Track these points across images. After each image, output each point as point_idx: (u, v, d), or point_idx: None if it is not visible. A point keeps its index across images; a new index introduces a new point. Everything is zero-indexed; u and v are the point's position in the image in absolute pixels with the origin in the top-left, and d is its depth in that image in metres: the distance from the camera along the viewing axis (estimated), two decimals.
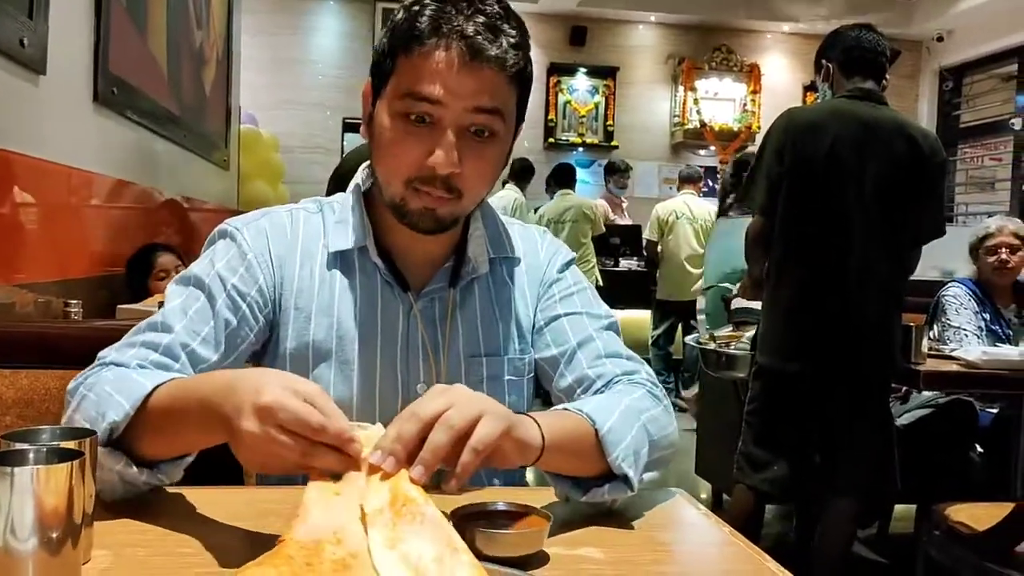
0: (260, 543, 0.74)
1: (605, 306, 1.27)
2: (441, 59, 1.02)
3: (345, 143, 7.76)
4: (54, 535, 0.70)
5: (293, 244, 1.16)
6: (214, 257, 1.14)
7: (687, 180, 6.68)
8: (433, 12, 1.03)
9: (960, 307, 3.36)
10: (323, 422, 0.76)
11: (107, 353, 1.05)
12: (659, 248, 6.38)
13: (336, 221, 1.18)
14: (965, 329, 3.27)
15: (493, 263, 1.22)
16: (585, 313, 1.22)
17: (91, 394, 0.96)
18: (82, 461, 0.73)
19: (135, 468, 0.92)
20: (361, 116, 1.17)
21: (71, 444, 0.78)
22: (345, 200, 1.20)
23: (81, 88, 2.62)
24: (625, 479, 0.97)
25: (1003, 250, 3.35)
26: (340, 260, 1.16)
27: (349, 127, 7.83)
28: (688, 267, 6.26)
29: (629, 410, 1.03)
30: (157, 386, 0.92)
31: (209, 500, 0.98)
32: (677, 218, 6.36)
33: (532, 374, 1.23)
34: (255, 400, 0.77)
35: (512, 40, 1.04)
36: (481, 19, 1.02)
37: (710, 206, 6.57)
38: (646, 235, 6.56)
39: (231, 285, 1.10)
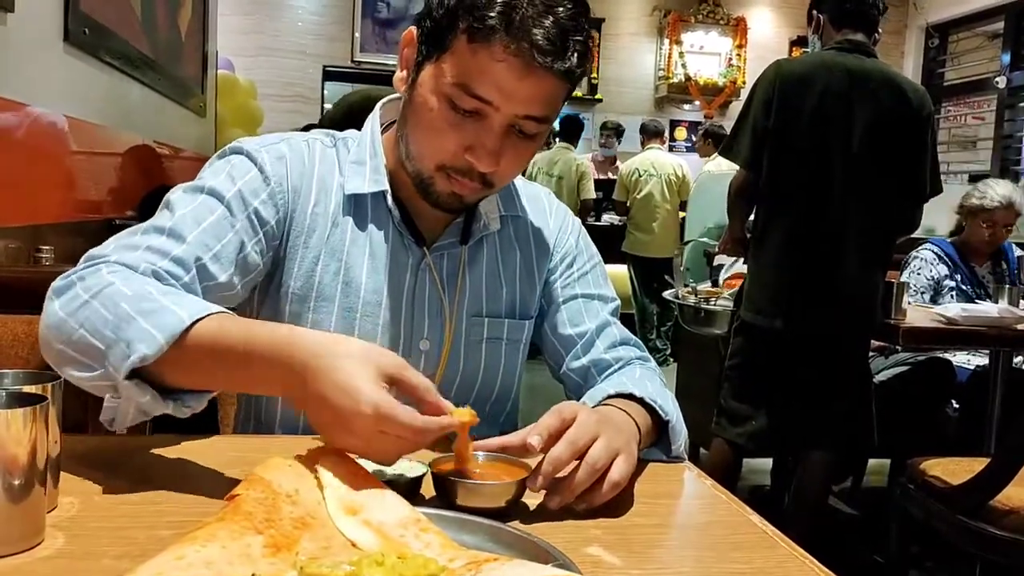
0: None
1: (610, 283, 1.27)
2: (503, 61, 0.94)
3: (326, 92, 7.64)
4: (16, 482, 0.68)
5: (309, 177, 1.10)
6: (233, 172, 1.05)
7: (654, 134, 6.64)
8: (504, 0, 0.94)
9: (917, 271, 3.38)
10: (426, 425, 0.76)
11: (105, 251, 0.94)
12: (628, 205, 6.38)
13: (352, 161, 1.12)
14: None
15: (502, 221, 1.19)
16: (598, 296, 1.23)
17: (99, 304, 0.85)
18: (45, 406, 0.70)
19: (160, 401, 0.84)
20: (397, 64, 1.08)
21: (34, 388, 0.75)
22: (361, 139, 1.15)
23: (51, 27, 2.53)
24: (671, 456, 1.06)
25: (1002, 228, 3.35)
26: (354, 203, 1.11)
27: (329, 75, 7.69)
28: (656, 225, 6.27)
29: (671, 397, 1.09)
30: (196, 320, 0.83)
31: (180, 447, 0.96)
32: (640, 175, 6.34)
33: (529, 339, 1.22)
34: (361, 406, 0.74)
35: (580, 47, 0.97)
36: (551, 20, 0.94)
37: (676, 160, 6.57)
38: (614, 195, 6.56)
39: (253, 208, 1.04)
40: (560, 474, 0.84)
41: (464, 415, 0.81)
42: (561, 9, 0.95)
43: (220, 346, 0.83)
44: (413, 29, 1.05)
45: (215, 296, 0.98)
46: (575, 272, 1.23)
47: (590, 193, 6.54)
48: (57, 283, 0.91)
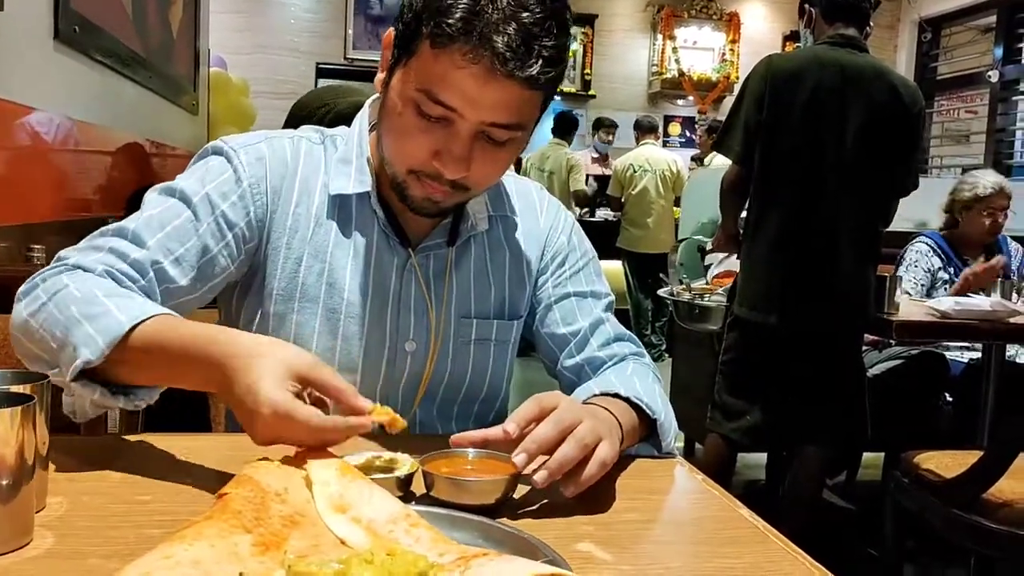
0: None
1: (604, 279, 1.26)
2: (464, 68, 0.92)
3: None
4: (4, 482, 0.68)
5: (292, 177, 1.09)
6: (205, 175, 1.05)
7: (648, 130, 6.66)
8: (467, 4, 0.91)
9: (914, 263, 3.39)
10: (322, 424, 0.78)
11: (69, 254, 0.98)
12: (623, 201, 6.39)
13: (339, 160, 1.11)
14: (901, 287, 3.29)
15: (491, 221, 1.17)
16: (591, 293, 1.22)
17: (53, 306, 0.90)
18: (32, 405, 0.70)
19: (111, 397, 0.90)
20: (379, 65, 1.06)
21: (21, 388, 0.75)
22: (348, 137, 1.13)
23: (41, 25, 2.52)
24: (663, 452, 1.06)
25: (1000, 213, 3.36)
26: (339, 204, 1.10)
27: (322, 72, 7.67)
28: (650, 221, 6.28)
29: (661, 394, 1.09)
30: (136, 324, 0.87)
31: (170, 446, 0.95)
32: (635, 171, 6.35)
33: (518, 339, 1.22)
34: (260, 406, 0.77)
35: (547, 53, 0.93)
36: (513, 27, 0.91)
37: (671, 155, 6.58)
38: (608, 191, 6.58)
39: (220, 211, 1.04)
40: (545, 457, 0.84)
41: (382, 416, 0.82)
42: (527, 14, 0.92)
43: (157, 347, 0.87)
44: (392, 30, 1.03)
45: (175, 299, 1.01)
46: (567, 270, 1.22)
47: (580, 184, 6.57)
48: (24, 285, 0.97)
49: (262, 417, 0.77)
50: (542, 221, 1.23)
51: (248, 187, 1.06)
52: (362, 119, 1.15)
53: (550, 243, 1.22)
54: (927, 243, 3.44)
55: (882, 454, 3.42)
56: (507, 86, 0.93)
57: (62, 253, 0.99)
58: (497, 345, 1.18)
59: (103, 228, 1.02)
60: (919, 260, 3.40)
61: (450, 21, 0.91)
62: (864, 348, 2.95)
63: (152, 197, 1.05)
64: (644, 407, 1.02)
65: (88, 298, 0.90)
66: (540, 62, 0.93)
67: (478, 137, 0.98)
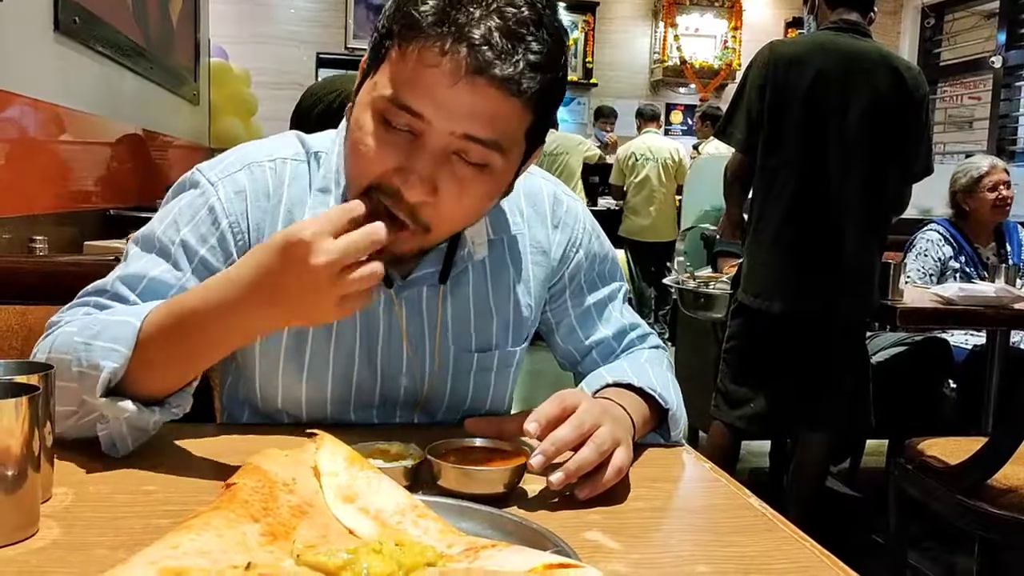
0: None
1: (618, 267, 1.19)
2: (435, 65, 0.82)
3: (320, 79, 7.57)
4: (9, 473, 0.68)
5: (274, 211, 0.99)
6: (180, 217, 0.97)
7: (650, 118, 6.65)
8: None
9: (924, 252, 3.37)
10: (344, 208, 0.78)
11: (57, 318, 0.95)
12: (625, 189, 6.38)
13: (318, 188, 1.00)
14: (908, 275, 3.29)
15: (492, 245, 1.06)
16: (608, 294, 1.16)
17: (55, 355, 0.86)
18: (37, 396, 0.70)
19: (146, 410, 0.84)
20: (356, 74, 0.95)
21: (26, 379, 0.74)
22: (328, 158, 1.01)
23: (41, 16, 2.52)
24: (670, 442, 1.06)
25: (1002, 186, 3.35)
26: None
27: (324, 62, 7.65)
28: (652, 210, 6.27)
29: (674, 383, 1.08)
30: (143, 319, 0.84)
31: (175, 437, 0.95)
32: (637, 159, 6.34)
33: (524, 356, 1.15)
34: (311, 257, 0.75)
35: (533, 57, 0.83)
36: (497, 22, 0.82)
37: (672, 144, 6.57)
38: (611, 179, 6.57)
39: (199, 259, 0.95)
40: (562, 457, 0.83)
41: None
42: (511, 11, 0.83)
43: (173, 328, 0.84)
44: (365, 57, 0.94)
45: None
46: (586, 284, 1.14)
47: (591, 150, 6.57)
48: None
49: (317, 267, 0.75)
50: (558, 236, 1.11)
51: (228, 226, 0.97)
52: (340, 135, 1.02)
53: (566, 261, 1.12)
54: (939, 231, 3.41)
55: (886, 441, 3.41)
56: (483, 90, 0.83)
57: (53, 318, 0.95)
58: (499, 372, 1.11)
59: (85, 289, 0.97)
60: (929, 249, 3.38)
61: (423, 9, 0.83)
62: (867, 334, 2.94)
63: (132, 251, 0.98)
64: (657, 397, 1.01)
65: (82, 326, 0.87)
66: (524, 64, 0.83)
67: (448, 158, 0.86)
